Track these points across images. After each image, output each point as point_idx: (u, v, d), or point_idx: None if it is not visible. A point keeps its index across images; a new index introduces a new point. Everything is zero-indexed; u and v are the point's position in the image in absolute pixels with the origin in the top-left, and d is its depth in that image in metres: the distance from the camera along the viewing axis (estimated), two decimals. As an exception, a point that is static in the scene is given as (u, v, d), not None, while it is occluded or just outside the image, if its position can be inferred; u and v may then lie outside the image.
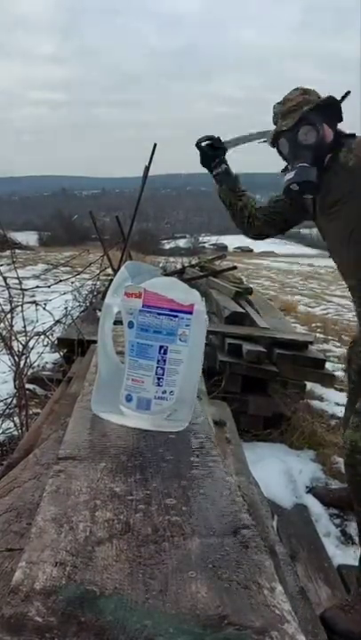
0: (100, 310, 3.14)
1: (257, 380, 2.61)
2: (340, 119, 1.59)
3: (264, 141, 1.77)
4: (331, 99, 1.57)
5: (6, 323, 2.25)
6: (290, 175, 1.56)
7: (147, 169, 4.29)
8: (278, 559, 0.88)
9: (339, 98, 1.58)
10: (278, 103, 1.64)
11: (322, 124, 1.54)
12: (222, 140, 1.88)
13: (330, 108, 1.57)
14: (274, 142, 1.65)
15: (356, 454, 1.43)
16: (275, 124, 1.64)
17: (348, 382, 1.96)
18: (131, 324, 0.85)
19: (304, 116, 1.53)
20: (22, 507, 0.76)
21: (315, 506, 2.06)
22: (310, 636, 0.96)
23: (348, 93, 1.58)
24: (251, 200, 1.93)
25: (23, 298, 2.28)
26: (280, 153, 1.66)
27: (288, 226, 1.91)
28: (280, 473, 2.26)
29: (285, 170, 1.65)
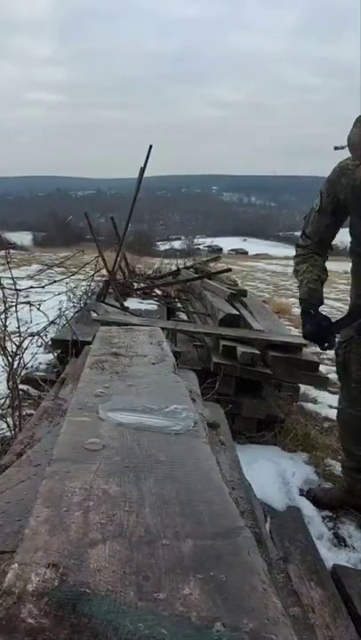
0: (94, 311, 3.13)
1: (251, 382, 2.62)
2: None
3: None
4: None
5: (0, 323, 2.24)
6: None
7: (142, 170, 4.29)
8: (271, 561, 0.88)
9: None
10: None
11: None
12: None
13: None
14: None
15: None
16: None
17: (346, 383, 1.97)
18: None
19: None
20: (15, 508, 0.76)
21: (308, 508, 2.06)
22: (301, 637, 0.96)
23: None
24: (310, 262, 1.96)
25: (17, 298, 2.27)
26: None
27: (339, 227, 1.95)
28: (273, 475, 2.26)
29: None
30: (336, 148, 1.72)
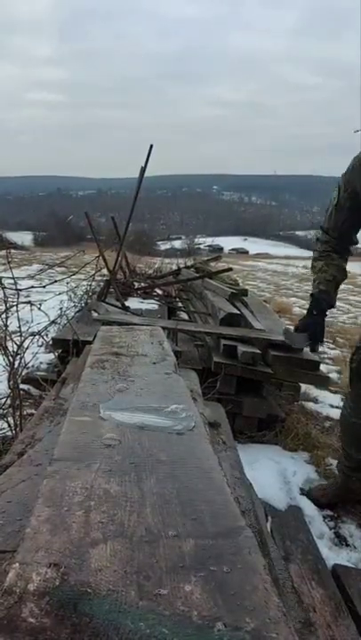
0: (95, 311, 3.13)
1: (252, 382, 2.62)
2: None
3: None
4: None
5: (1, 323, 2.24)
6: None
7: (143, 170, 4.29)
8: (272, 561, 0.88)
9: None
10: None
11: None
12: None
13: None
14: None
15: None
16: None
17: (357, 390, 1.92)
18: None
19: None
20: (16, 508, 0.76)
21: (309, 507, 2.06)
22: (302, 637, 0.96)
23: None
24: (327, 261, 1.92)
25: (18, 298, 2.27)
26: None
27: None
28: (274, 474, 2.26)
29: None
30: (356, 132, 1.69)
